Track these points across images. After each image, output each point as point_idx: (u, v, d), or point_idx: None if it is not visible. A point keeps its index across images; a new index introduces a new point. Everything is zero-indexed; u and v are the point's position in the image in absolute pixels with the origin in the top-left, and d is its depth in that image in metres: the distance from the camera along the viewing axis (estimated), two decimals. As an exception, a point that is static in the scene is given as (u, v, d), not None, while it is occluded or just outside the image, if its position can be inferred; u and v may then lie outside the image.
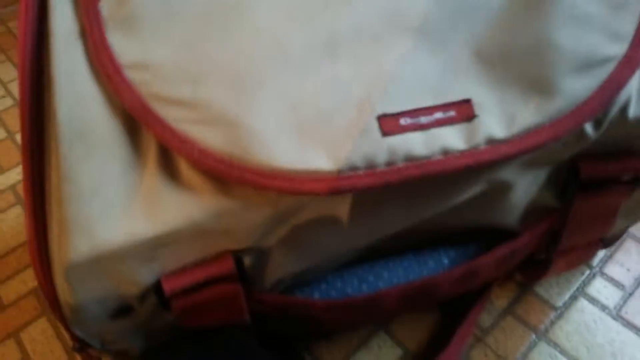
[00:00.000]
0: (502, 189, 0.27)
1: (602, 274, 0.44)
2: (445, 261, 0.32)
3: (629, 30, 0.24)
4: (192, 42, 0.22)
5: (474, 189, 0.26)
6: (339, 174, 0.22)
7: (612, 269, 0.44)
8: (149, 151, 0.22)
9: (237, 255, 0.25)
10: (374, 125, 0.22)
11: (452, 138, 0.23)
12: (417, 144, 0.22)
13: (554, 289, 0.43)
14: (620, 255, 0.45)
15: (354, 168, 0.22)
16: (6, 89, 0.68)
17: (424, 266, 0.32)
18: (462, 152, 0.23)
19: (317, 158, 0.22)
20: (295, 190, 0.22)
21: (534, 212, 0.31)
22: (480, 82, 0.24)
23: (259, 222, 0.24)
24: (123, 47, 0.22)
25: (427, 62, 0.24)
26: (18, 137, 0.61)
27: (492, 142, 0.23)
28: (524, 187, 0.28)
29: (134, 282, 0.24)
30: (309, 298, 0.30)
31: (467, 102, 0.23)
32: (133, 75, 0.22)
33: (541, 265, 0.37)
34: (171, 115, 0.22)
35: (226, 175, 0.22)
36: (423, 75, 0.23)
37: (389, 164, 0.22)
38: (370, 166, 0.22)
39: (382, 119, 0.22)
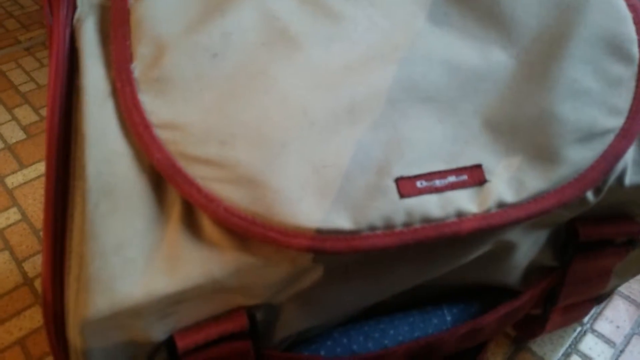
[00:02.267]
0: (507, 249, 0.28)
1: (593, 330, 0.45)
2: (449, 318, 0.33)
3: (625, 105, 0.26)
4: (220, 105, 0.23)
5: (482, 250, 0.27)
6: (359, 234, 0.23)
7: (602, 326, 0.45)
8: (173, 208, 0.23)
9: (251, 312, 0.25)
10: (392, 187, 0.23)
11: (466, 201, 0.24)
12: (432, 206, 0.23)
13: (548, 346, 0.44)
14: (609, 312, 0.46)
15: (373, 228, 0.23)
16: (-3, 131, 0.67)
17: (429, 323, 0.32)
18: (475, 215, 0.24)
19: (338, 218, 0.23)
20: (317, 249, 0.22)
21: (534, 271, 0.32)
22: (489, 149, 0.25)
23: (276, 279, 0.24)
24: (154, 107, 0.23)
25: (439, 128, 0.25)
26: (7, 180, 0.60)
27: (503, 206, 0.24)
28: (527, 247, 0.30)
29: (147, 338, 0.23)
30: (315, 355, 0.30)
31: (478, 167, 0.25)
32: (163, 135, 0.22)
33: (537, 322, 0.38)
34: (198, 173, 0.22)
35: (250, 232, 0.22)
36: (436, 141, 0.25)
37: (407, 224, 0.23)
38: (389, 226, 0.23)
39: (400, 181, 0.23)
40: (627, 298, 0.47)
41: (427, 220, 0.23)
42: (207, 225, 0.23)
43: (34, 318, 0.46)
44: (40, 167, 0.61)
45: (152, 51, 0.23)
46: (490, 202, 0.24)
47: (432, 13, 0.27)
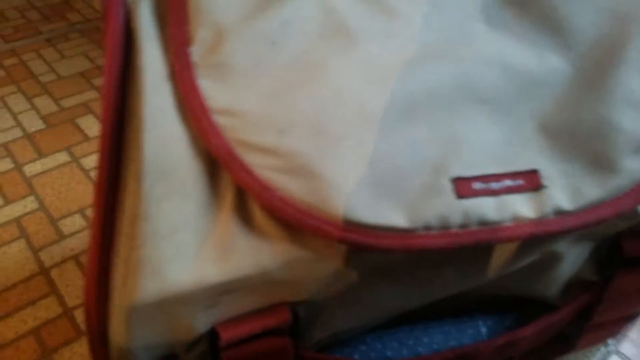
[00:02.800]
0: (553, 260, 0.28)
1: (618, 352, 0.44)
2: (483, 330, 0.32)
3: (682, 118, 0.25)
4: (279, 93, 0.23)
5: (531, 258, 0.26)
6: (414, 232, 0.22)
7: (629, 350, 0.44)
8: (226, 195, 0.22)
9: (294, 308, 0.25)
10: (449, 187, 0.23)
11: (522, 206, 0.23)
12: (489, 208, 0.23)
13: (571, 366, 0.43)
14: (634, 335, 0.45)
15: (428, 227, 0.22)
16: (16, 119, 0.67)
17: (463, 333, 0.32)
18: (532, 221, 0.23)
19: (393, 215, 0.22)
20: (370, 245, 0.22)
21: (573, 286, 0.32)
22: (545, 154, 0.25)
23: (324, 274, 0.23)
24: (212, 92, 0.22)
25: (495, 131, 0.24)
26: (25, 169, 0.59)
27: (559, 213, 0.24)
28: (571, 259, 0.29)
29: (190, 329, 0.23)
30: (349, 358, 0.29)
31: (534, 172, 0.24)
32: (221, 120, 0.22)
33: (567, 340, 0.37)
34: (255, 161, 0.22)
35: (303, 224, 0.22)
36: (491, 143, 0.24)
37: (463, 226, 0.23)
38: (445, 227, 0.23)
39: (457, 181, 0.23)
40: (652, 320, 0.46)
41: (483, 223, 0.23)
42: (259, 215, 0.22)
43: (49, 308, 0.45)
44: (59, 157, 0.61)
45: (211, 36, 0.23)
46: (547, 208, 0.24)
47: (489, 16, 0.27)
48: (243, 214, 0.22)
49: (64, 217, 0.53)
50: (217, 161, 0.22)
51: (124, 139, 0.22)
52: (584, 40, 0.26)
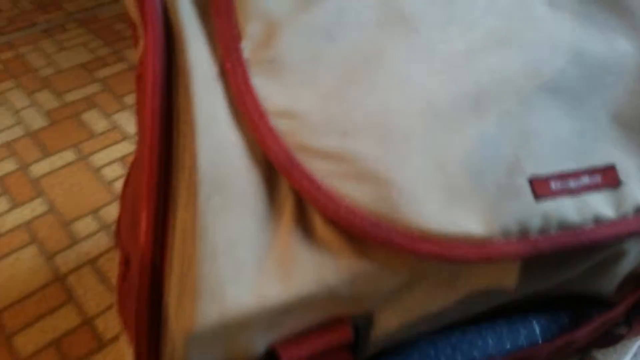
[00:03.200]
0: (617, 257, 0.26)
1: (658, 341, 0.43)
2: (537, 330, 0.31)
3: None
4: (340, 90, 0.20)
5: (600, 257, 0.25)
6: (491, 240, 0.20)
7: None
8: (285, 205, 0.20)
9: (355, 323, 0.23)
10: (526, 187, 0.21)
11: (602, 205, 0.22)
12: (569, 210, 0.21)
13: (612, 355, 0.42)
14: (674, 323, 0.44)
15: (506, 234, 0.21)
16: (18, 117, 0.64)
17: (517, 334, 0.30)
18: (613, 221, 0.22)
19: (468, 221, 0.20)
20: (444, 256, 0.20)
21: (628, 281, 0.30)
22: (620, 146, 0.23)
23: (390, 287, 0.22)
24: (268, 92, 0.20)
25: (567, 122, 0.23)
26: (32, 169, 0.57)
27: (639, 210, 0.22)
28: (634, 255, 0.27)
29: (247, 351, 0.21)
30: (404, 367, 0.28)
31: (612, 167, 0.22)
32: (279, 124, 0.20)
33: (614, 333, 0.36)
34: (317, 168, 0.20)
35: (371, 235, 0.20)
36: (564, 136, 0.22)
37: (543, 231, 0.21)
38: (524, 232, 0.21)
39: (534, 181, 0.21)
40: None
41: (564, 227, 0.21)
42: (321, 226, 0.20)
43: (69, 317, 0.43)
44: (66, 156, 0.58)
45: (262, 29, 0.21)
46: (628, 206, 0.22)
47: (551, -2, 0.25)
48: (303, 225, 0.20)
49: (76, 219, 0.51)
50: (276, 168, 0.20)
51: (172, 148, 0.20)
52: (654, 23, 0.25)
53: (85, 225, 0.51)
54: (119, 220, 0.32)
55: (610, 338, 0.37)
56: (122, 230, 0.28)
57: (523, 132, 0.22)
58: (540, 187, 0.21)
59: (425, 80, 0.21)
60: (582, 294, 0.30)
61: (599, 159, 0.22)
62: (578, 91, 0.23)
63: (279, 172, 0.20)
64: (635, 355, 0.42)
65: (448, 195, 0.20)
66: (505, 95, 0.22)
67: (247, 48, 0.21)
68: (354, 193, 0.20)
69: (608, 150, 0.23)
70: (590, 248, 0.23)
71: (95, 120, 0.63)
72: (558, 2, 0.25)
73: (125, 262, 0.26)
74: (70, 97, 0.66)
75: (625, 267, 0.28)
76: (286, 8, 0.21)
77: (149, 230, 0.19)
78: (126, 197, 0.29)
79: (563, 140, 0.22)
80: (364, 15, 0.22)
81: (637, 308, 0.33)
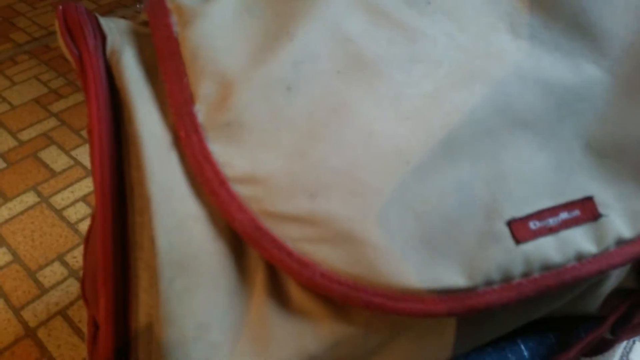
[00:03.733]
0: (601, 281, 0.26)
1: (642, 339, 0.43)
2: (526, 353, 0.30)
3: None
4: (304, 148, 0.19)
5: (585, 286, 0.24)
6: (475, 291, 0.20)
7: (650, 334, 0.44)
8: (256, 275, 0.19)
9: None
10: (506, 232, 0.20)
11: (583, 241, 0.21)
12: (551, 250, 0.21)
13: (599, 357, 0.42)
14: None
15: (489, 282, 0.20)
16: (-29, 160, 0.61)
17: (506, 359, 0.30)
18: (595, 257, 0.21)
19: (450, 273, 0.19)
20: (428, 312, 0.19)
21: (614, 296, 0.30)
22: (596, 177, 0.22)
23: (374, 345, 0.21)
24: (227, 158, 0.19)
25: (541, 157, 0.22)
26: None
27: (620, 242, 0.22)
28: (615, 275, 0.27)
29: None
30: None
31: (590, 200, 0.22)
32: (242, 190, 0.18)
33: (603, 341, 0.36)
34: (287, 234, 0.19)
35: (350, 299, 0.19)
36: (540, 172, 0.22)
37: (525, 274, 0.20)
38: (506, 279, 0.20)
39: (513, 224, 0.20)
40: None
41: (546, 268, 0.20)
42: (297, 293, 0.19)
43: (42, 375, 0.41)
44: (27, 199, 0.55)
45: (216, 90, 0.19)
46: (609, 239, 0.21)
47: (513, 25, 0.24)
48: (278, 294, 0.19)
49: (42, 267, 0.49)
50: (242, 238, 0.19)
51: (128, 225, 0.19)
52: (618, 44, 0.24)
53: (52, 273, 0.48)
54: (84, 275, 0.30)
55: (598, 347, 0.37)
56: (86, 288, 0.26)
57: (498, 172, 0.21)
58: (519, 229, 0.20)
59: (394, 128, 0.20)
60: (568, 314, 0.30)
61: (576, 192, 0.22)
62: (549, 122, 0.23)
63: (246, 241, 0.19)
64: (621, 357, 0.42)
65: (427, 248, 0.20)
66: (477, 135, 0.21)
67: (201, 111, 0.19)
68: (329, 257, 0.19)
69: (585, 182, 0.22)
70: (574, 284, 0.22)
71: (55, 158, 0.60)
72: (521, 31, 0.24)
73: (94, 324, 0.25)
74: (26, 135, 0.63)
75: (608, 287, 0.28)
76: (240, 64, 0.20)
77: (109, 319, 0.18)
78: (88, 256, 0.28)
79: (539, 176, 0.22)
80: (322, 64, 0.21)
81: (625, 318, 0.33)
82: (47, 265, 0.49)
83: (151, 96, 0.20)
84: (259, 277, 0.19)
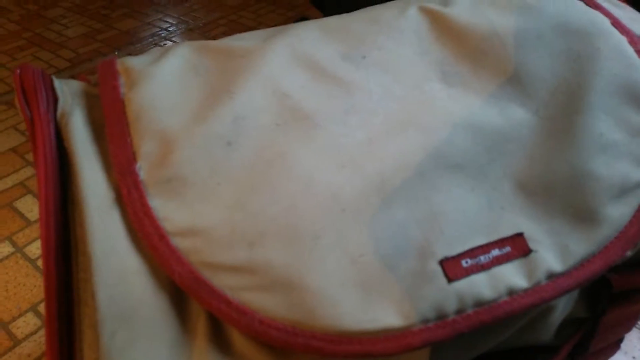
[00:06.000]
0: (546, 312, 0.27)
1: (610, 365, 0.44)
2: (485, 386, 0.31)
3: (652, 154, 0.25)
4: (242, 200, 0.20)
5: (525, 320, 0.25)
6: (411, 329, 0.20)
7: (618, 359, 0.44)
8: (198, 324, 0.20)
9: None
10: (438, 271, 0.21)
11: (514, 276, 0.22)
12: (483, 286, 0.22)
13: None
14: (623, 344, 0.45)
15: (424, 321, 0.21)
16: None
17: (466, 394, 0.30)
18: (526, 291, 0.22)
19: (386, 314, 0.20)
20: (366, 353, 0.20)
21: (567, 325, 0.31)
22: (526, 214, 0.24)
23: (319, 387, 0.21)
24: (168, 212, 0.20)
25: (473, 197, 0.23)
26: (-35, 269, 0.54)
27: (551, 276, 0.23)
28: (563, 305, 0.28)
29: None
30: None
31: (520, 236, 0.23)
32: (182, 244, 0.19)
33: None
34: (226, 284, 0.19)
35: (290, 344, 0.19)
36: (471, 211, 0.23)
37: (459, 311, 0.21)
38: (441, 317, 0.21)
39: (445, 263, 0.22)
40: (638, 326, 0.46)
41: (479, 304, 0.21)
42: (239, 340, 0.20)
43: None
44: (2, 249, 0.56)
45: (158, 148, 0.21)
46: (539, 274, 0.22)
47: (444, 73, 0.26)
48: (220, 342, 0.20)
49: (15, 318, 0.49)
50: (182, 289, 0.20)
51: (73, 280, 0.20)
52: (543, 87, 0.26)
53: (25, 324, 0.48)
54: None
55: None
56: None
57: (431, 214, 0.22)
58: (451, 268, 0.21)
59: (330, 177, 0.22)
60: (523, 346, 0.31)
61: (507, 230, 0.23)
62: (480, 164, 0.24)
63: (187, 293, 0.20)
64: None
65: (364, 290, 0.20)
66: (410, 180, 0.23)
67: (143, 169, 0.20)
68: (267, 304, 0.20)
69: (515, 219, 0.23)
70: (509, 319, 0.23)
71: (30, 207, 0.60)
72: (452, 79, 0.26)
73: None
74: (3, 184, 0.64)
75: (557, 317, 0.29)
76: (181, 122, 0.21)
77: (54, 374, 0.19)
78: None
79: (471, 215, 0.23)
80: (261, 119, 0.22)
81: (581, 347, 0.34)
82: (20, 316, 0.49)
83: (96, 156, 0.21)
84: (201, 325, 0.20)
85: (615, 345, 0.36)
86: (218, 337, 0.20)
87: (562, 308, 0.28)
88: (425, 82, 0.25)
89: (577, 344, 0.33)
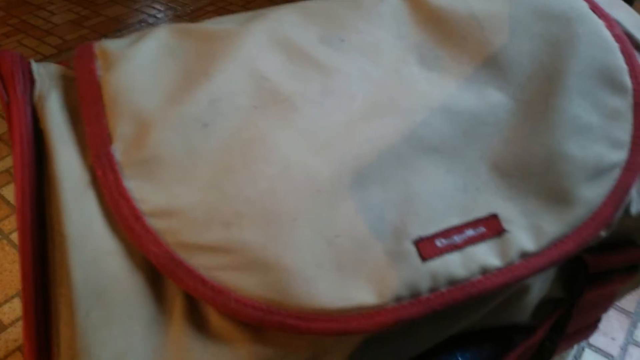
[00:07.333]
0: (521, 292, 0.27)
1: (590, 345, 0.45)
2: (464, 365, 0.31)
3: (626, 137, 0.25)
4: (219, 181, 0.21)
5: (500, 299, 0.26)
6: (385, 307, 0.21)
7: (598, 340, 0.45)
8: (174, 304, 0.20)
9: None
10: (412, 250, 0.22)
11: (488, 255, 0.23)
12: (456, 265, 0.22)
13: (550, 368, 0.44)
14: (602, 325, 0.46)
15: (399, 299, 0.21)
16: None
17: (444, 374, 0.31)
18: (499, 270, 0.23)
19: (360, 293, 0.21)
20: (341, 331, 0.20)
21: (543, 306, 0.31)
22: (502, 195, 0.24)
23: (296, 365, 0.22)
24: (144, 193, 0.20)
25: (449, 179, 0.24)
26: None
27: (524, 256, 0.23)
28: (539, 286, 0.29)
29: None
30: None
31: (494, 217, 0.23)
32: (157, 224, 0.20)
33: (542, 353, 0.37)
34: (202, 263, 0.20)
35: (265, 322, 0.20)
36: (447, 193, 0.23)
37: (433, 290, 0.22)
38: (415, 295, 0.21)
39: (419, 243, 0.22)
40: (617, 309, 0.47)
41: (452, 283, 0.22)
42: (215, 319, 0.20)
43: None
44: (-13, 236, 0.56)
45: (133, 129, 0.21)
46: (512, 253, 0.23)
47: (423, 57, 0.26)
48: (196, 320, 0.20)
49: (1, 304, 0.49)
50: (158, 270, 0.20)
51: (48, 260, 0.20)
52: (521, 71, 0.26)
53: (11, 310, 0.48)
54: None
55: (540, 356, 0.38)
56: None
57: (407, 195, 0.23)
58: (425, 248, 0.22)
59: (306, 159, 0.22)
60: (499, 325, 0.31)
61: (482, 210, 0.23)
62: (457, 147, 0.24)
63: (163, 273, 0.20)
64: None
65: (338, 270, 0.21)
66: (387, 163, 0.23)
67: (119, 150, 0.20)
68: (243, 283, 0.20)
69: (490, 200, 0.24)
70: (482, 297, 0.24)
71: (17, 194, 0.60)
72: (430, 62, 0.26)
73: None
74: (-11, 172, 0.64)
75: (533, 298, 0.29)
76: (157, 103, 0.21)
77: (31, 354, 0.19)
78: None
79: (446, 196, 0.23)
80: (239, 99, 0.22)
81: (559, 327, 0.34)
82: (6, 301, 0.49)
83: (72, 138, 0.21)
84: (178, 305, 0.20)
85: (593, 326, 0.37)
86: (195, 316, 0.20)
87: (539, 288, 0.29)
88: (404, 66, 0.25)
89: (554, 324, 0.34)
